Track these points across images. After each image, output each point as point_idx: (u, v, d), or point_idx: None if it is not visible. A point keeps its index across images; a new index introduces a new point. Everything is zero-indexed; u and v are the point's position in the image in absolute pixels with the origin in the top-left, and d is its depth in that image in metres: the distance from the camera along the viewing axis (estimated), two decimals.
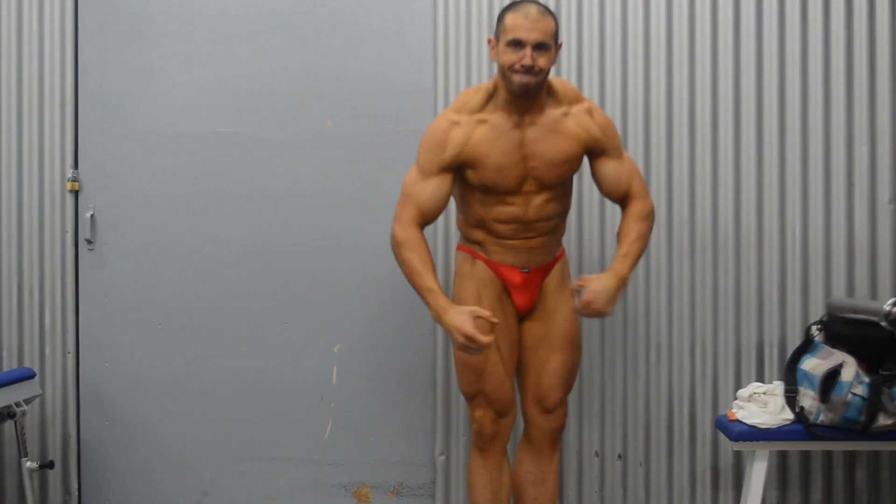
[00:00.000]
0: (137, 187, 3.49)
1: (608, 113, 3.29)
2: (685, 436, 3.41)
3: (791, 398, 3.00)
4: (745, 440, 3.01)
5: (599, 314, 2.73)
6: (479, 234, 2.88)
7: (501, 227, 2.83)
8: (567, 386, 2.93)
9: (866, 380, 2.88)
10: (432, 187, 2.76)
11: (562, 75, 3.37)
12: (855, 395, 2.88)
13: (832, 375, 2.90)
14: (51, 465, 3.30)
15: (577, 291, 2.71)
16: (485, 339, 2.61)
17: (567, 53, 3.37)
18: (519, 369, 2.94)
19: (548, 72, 2.71)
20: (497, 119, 2.76)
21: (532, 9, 2.68)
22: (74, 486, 3.51)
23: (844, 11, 3.34)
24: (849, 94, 3.34)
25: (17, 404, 3.08)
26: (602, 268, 3.30)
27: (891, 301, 2.80)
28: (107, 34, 3.49)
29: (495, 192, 2.79)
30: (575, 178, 2.94)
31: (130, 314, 3.50)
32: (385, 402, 3.48)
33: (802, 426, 2.97)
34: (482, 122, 2.77)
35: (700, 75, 3.38)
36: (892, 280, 3.34)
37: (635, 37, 3.39)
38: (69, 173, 3.47)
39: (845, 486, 3.37)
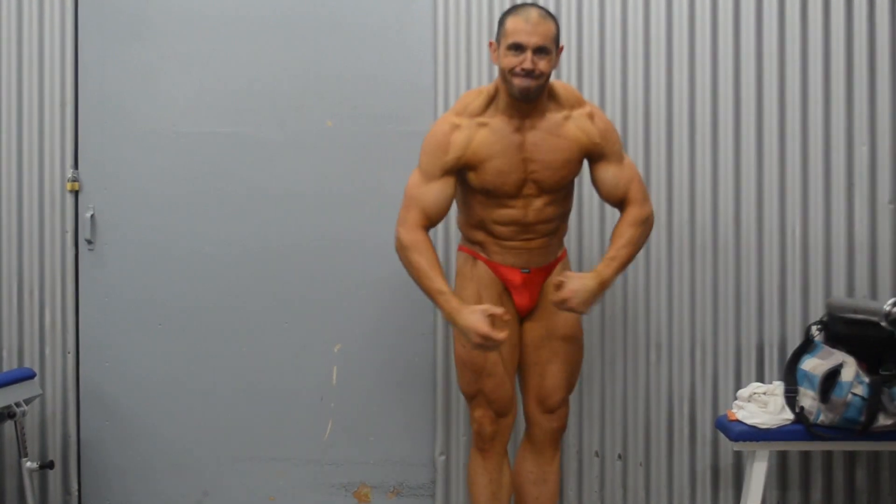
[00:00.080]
0: (137, 187, 3.49)
1: (608, 114, 3.30)
2: (685, 436, 3.41)
3: (791, 398, 3.00)
4: (745, 440, 3.01)
5: (574, 312, 2.74)
6: (480, 235, 2.88)
7: (501, 229, 2.83)
8: (569, 386, 2.93)
9: (866, 380, 2.88)
10: (436, 190, 2.76)
11: (562, 76, 3.37)
12: (855, 395, 2.88)
13: (832, 375, 2.90)
14: (51, 465, 3.30)
15: (558, 286, 2.72)
16: (500, 335, 2.63)
17: (567, 54, 3.37)
18: (520, 369, 2.94)
19: (548, 75, 2.71)
20: (498, 122, 2.76)
21: (533, 12, 2.68)
22: (74, 486, 3.51)
23: (844, 11, 3.34)
24: (849, 94, 3.34)
25: (17, 404, 3.08)
26: None
27: (891, 301, 2.80)
28: (107, 34, 3.49)
29: (495, 196, 2.79)
30: (576, 179, 2.94)
31: (130, 314, 3.50)
32: (385, 402, 3.48)
33: (802, 426, 2.97)
34: (483, 125, 2.76)
35: (700, 75, 3.38)
36: (892, 280, 3.34)
37: (635, 37, 3.39)
38: (69, 173, 3.47)
39: (845, 486, 3.37)
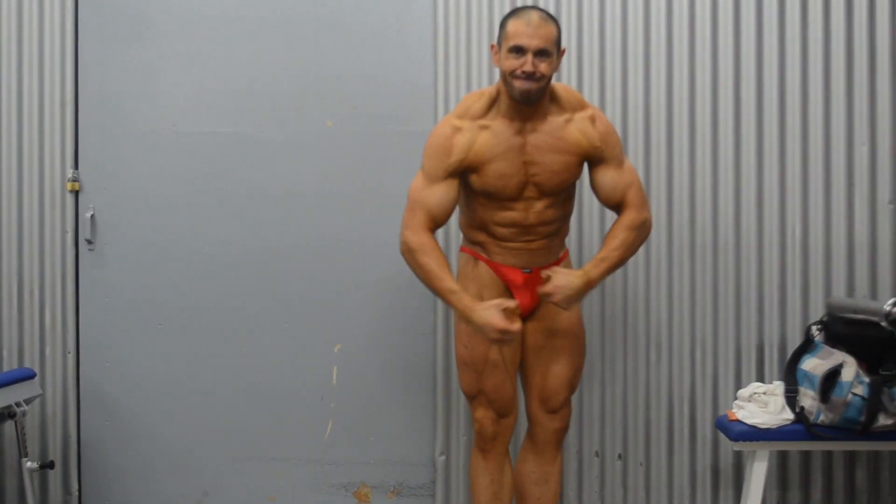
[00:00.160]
0: (137, 187, 3.49)
1: (608, 114, 3.30)
2: (685, 436, 3.41)
3: (791, 398, 3.00)
4: (745, 440, 3.01)
5: (556, 306, 2.76)
6: (481, 236, 2.88)
7: (502, 231, 2.83)
8: (572, 387, 2.94)
9: (866, 380, 2.88)
10: (441, 192, 2.75)
11: (562, 76, 3.37)
12: (855, 395, 2.88)
13: (832, 375, 2.90)
14: (51, 465, 3.30)
15: (545, 279, 2.73)
16: (516, 327, 2.64)
17: (567, 54, 3.36)
18: (522, 370, 2.94)
19: (549, 78, 2.71)
20: (499, 125, 2.76)
21: (534, 15, 2.69)
22: (75, 486, 3.51)
23: (844, 11, 3.34)
24: (849, 94, 3.34)
25: (18, 404, 3.08)
26: None
27: (891, 301, 2.80)
28: (107, 34, 3.49)
29: (497, 198, 2.79)
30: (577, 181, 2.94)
31: (130, 314, 3.50)
32: (385, 402, 3.48)
33: (802, 426, 2.97)
34: (484, 127, 2.76)
35: (700, 75, 3.38)
36: (892, 280, 3.34)
37: (635, 37, 3.39)
38: (69, 173, 3.47)
39: (845, 486, 3.37)
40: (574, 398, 3.01)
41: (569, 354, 2.90)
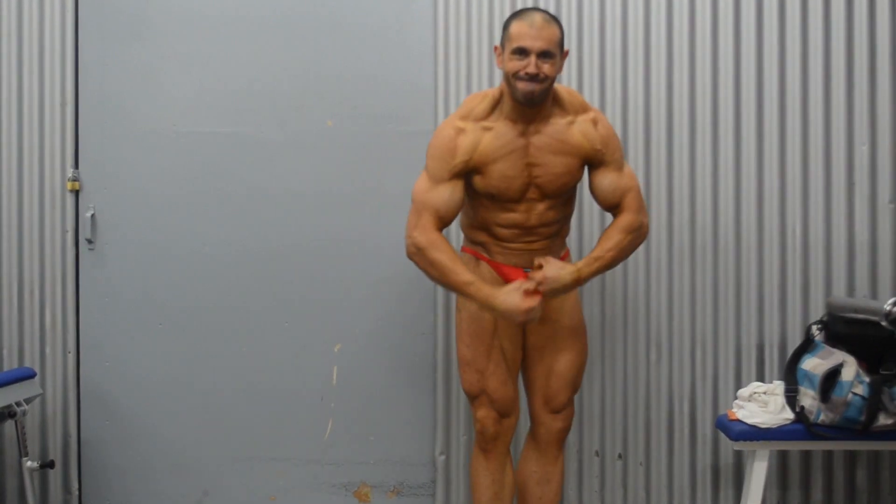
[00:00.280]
0: (137, 187, 3.49)
1: (608, 115, 3.31)
2: (685, 435, 3.41)
3: (791, 398, 3.00)
4: (745, 440, 3.01)
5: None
6: (482, 236, 2.88)
7: (504, 231, 2.83)
8: (574, 386, 2.94)
9: (866, 379, 2.88)
10: (447, 192, 2.75)
11: (562, 77, 3.37)
12: (855, 394, 2.88)
13: (832, 375, 2.90)
14: (51, 464, 3.30)
15: (537, 267, 2.75)
16: (536, 301, 2.67)
17: (567, 55, 3.36)
18: (525, 369, 2.95)
19: (553, 80, 2.71)
20: (502, 127, 2.76)
21: (537, 17, 2.69)
22: (75, 485, 3.51)
23: (844, 11, 3.34)
24: (849, 94, 3.35)
25: (18, 404, 3.08)
26: None
27: (891, 301, 2.80)
28: (107, 34, 3.49)
29: (499, 199, 2.79)
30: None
31: (130, 314, 3.50)
32: (385, 401, 3.48)
33: (803, 426, 2.97)
34: (488, 129, 2.76)
35: (700, 75, 3.38)
36: (892, 280, 3.35)
37: (635, 37, 3.39)
38: (69, 173, 3.47)
39: (846, 485, 3.37)
40: (574, 398, 3.01)
41: (571, 353, 2.90)
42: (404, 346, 3.47)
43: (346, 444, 3.49)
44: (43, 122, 3.48)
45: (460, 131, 2.76)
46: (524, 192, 2.78)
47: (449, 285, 2.76)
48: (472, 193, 2.83)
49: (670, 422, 3.42)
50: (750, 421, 3.01)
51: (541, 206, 2.81)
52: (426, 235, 2.73)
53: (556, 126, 2.78)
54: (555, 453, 2.95)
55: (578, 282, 2.76)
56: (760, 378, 3.35)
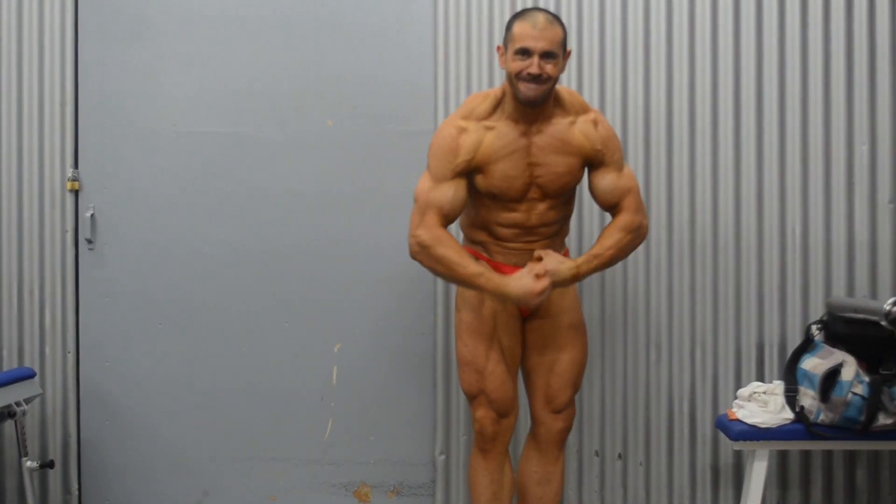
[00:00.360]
0: (137, 187, 3.49)
1: (608, 115, 3.31)
2: (685, 435, 3.41)
3: (791, 398, 3.00)
4: (745, 440, 3.01)
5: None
6: (482, 236, 2.88)
7: (504, 231, 2.84)
8: (575, 386, 2.94)
9: (866, 379, 2.88)
10: (450, 191, 2.75)
11: (562, 77, 3.36)
12: (855, 394, 2.88)
13: (832, 375, 2.90)
14: (51, 464, 3.30)
15: (537, 259, 2.75)
16: (548, 283, 2.69)
17: None
18: (526, 369, 2.95)
19: (555, 80, 2.72)
20: (504, 127, 2.77)
21: (540, 17, 2.69)
22: (74, 485, 3.51)
23: (844, 11, 3.34)
24: (849, 94, 3.35)
25: (18, 404, 3.08)
26: None
27: (891, 300, 2.80)
28: (107, 34, 3.49)
29: (500, 199, 2.79)
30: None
31: (130, 314, 3.50)
32: (385, 401, 3.48)
33: (802, 426, 2.97)
34: (490, 129, 2.76)
35: (700, 75, 3.38)
36: (892, 280, 3.35)
37: (635, 37, 3.40)
38: (69, 173, 3.47)
39: (845, 485, 3.37)
40: (574, 398, 3.01)
41: (572, 352, 2.91)
42: (404, 345, 3.47)
43: (346, 444, 3.49)
44: (43, 121, 3.48)
45: (462, 130, 2.76)
46: (525, 192, 2.78)
47: (457, 279, 2.76)
48: (472, 193, 2.83)
49: (670, 422, 3.42)
50: (750, 421, 3.01)
51: (542, 206, 2.81)
52: (431, 232, 2.73)
53: (558, 126, 2.78)
54: (555, 453, 2.95)
55: (577, 277, 2.77)
56: (760, 378, 3.35)
